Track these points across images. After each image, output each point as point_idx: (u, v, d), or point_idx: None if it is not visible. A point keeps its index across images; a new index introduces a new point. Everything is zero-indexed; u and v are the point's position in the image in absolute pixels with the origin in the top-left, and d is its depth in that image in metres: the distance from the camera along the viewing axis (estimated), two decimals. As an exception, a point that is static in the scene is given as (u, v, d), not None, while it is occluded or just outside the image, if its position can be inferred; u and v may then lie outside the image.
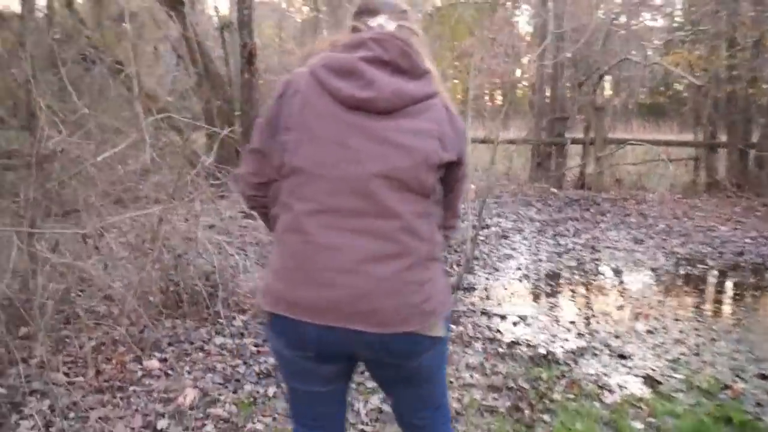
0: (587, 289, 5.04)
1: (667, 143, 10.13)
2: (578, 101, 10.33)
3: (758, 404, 2.92)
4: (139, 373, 3.01)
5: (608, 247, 6.53)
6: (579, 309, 4.52)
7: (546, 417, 2.74)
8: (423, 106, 1.40)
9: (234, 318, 3.76)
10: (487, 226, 7.16)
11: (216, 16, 10.10)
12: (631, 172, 10.72)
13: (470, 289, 4.86)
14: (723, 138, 10.36)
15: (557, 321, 4.16)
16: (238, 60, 8.42)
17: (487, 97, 13.44)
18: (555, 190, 9.99)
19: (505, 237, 6.89)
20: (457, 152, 1.45)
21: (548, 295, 4.90)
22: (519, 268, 5.58)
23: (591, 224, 7.76)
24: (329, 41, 1.50)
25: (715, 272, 5.66)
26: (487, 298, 4.67)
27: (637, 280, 5.35)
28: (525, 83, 13.70)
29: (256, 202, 1.58)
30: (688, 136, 11.55)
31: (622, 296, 4.84)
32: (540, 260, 5.93)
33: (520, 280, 5.22)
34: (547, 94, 11.41)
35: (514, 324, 4.07)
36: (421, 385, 1.54)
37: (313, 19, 14.31)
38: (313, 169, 1.37)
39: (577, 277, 5.39)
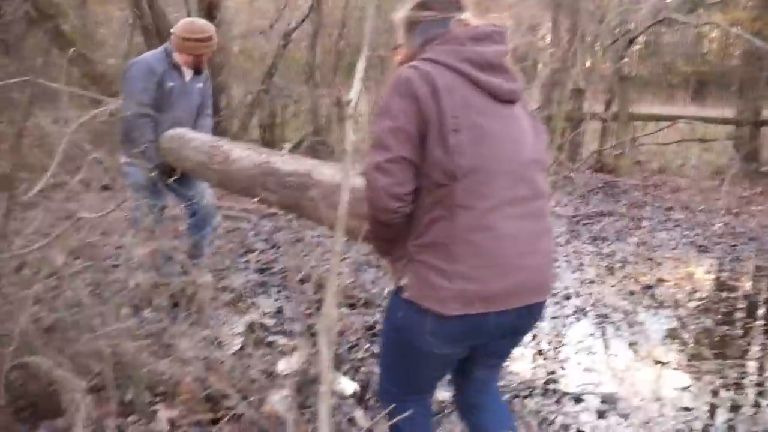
0: (682, 341, 3.66)
1: (704, 119, 8.69)
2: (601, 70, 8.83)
3: None
4: None
5: (669, 258, 5.16)
6: (696, 377, 3.11)
7: None
8: None
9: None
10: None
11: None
12: (656, 153, 9.35)
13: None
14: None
15: (669, 406, 2.77)
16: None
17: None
18: (571, 174, 8.58)
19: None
20: None
21: (633, 347, 3.48)
22: (568, 297, 4.17)
23: (631, 221, 6.40)
24: (430, 35, 1.52)
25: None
26: (540, 355, 3.27)
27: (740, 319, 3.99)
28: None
29: (398, 215, 1.46)
30: (712, 112, 10.13)
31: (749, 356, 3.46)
32: (590, 281, 4.51)
33: (578, 319, 3.81)
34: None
35: (600, 414, 2.68)
36: (504, 359, 1.79)
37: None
38: (491, 166, 1.41)
39: (653, 313, 3.98)
